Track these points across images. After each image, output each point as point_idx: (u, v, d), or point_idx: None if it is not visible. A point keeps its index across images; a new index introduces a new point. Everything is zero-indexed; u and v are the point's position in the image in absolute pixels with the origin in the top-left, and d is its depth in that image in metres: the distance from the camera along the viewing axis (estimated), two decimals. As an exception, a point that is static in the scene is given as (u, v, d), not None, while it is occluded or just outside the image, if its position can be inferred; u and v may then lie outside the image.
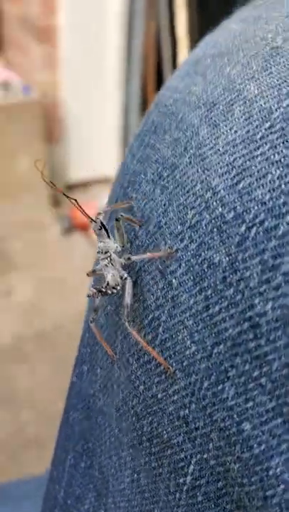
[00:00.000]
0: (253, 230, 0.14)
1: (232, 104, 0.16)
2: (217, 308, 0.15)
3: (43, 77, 1.77)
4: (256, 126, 0.15)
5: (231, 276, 0.14)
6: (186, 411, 0.16)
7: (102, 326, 0.22)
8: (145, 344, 0.17)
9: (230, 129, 0.16)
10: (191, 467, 0.16)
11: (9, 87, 1.76)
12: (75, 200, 0.20)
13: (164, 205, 0.18)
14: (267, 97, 0.16)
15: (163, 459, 0.17)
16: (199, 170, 0.16)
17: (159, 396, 0.17)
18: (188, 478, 0.16)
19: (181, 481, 0.17)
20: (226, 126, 0.16)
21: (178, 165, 0.18)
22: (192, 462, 0.16)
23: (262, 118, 0.15)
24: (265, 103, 0.15)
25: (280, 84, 0.16)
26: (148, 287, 0.18)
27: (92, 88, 1.75)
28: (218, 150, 0.16)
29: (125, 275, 0.19)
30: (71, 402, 0.25)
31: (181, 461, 0.17)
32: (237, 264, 0.14)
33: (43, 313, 1.33)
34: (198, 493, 0.16)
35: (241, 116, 0.16)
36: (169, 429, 0.17)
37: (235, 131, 0.16)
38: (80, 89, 1.75)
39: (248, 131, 0.15)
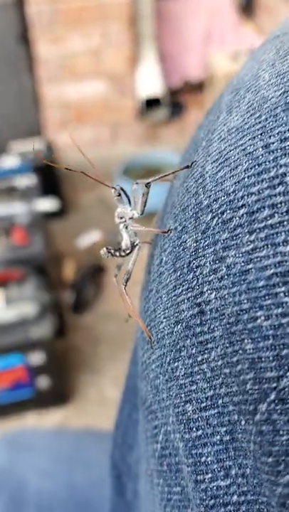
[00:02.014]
0: (215, 220, 0.14)
1: (247, 91, 0.16)
2: (180, 289, 0.15)
3: None
4: (250, 116, 0.15)
5: (193, 261, 0.15)
6: (158, 381, 0.17)
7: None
8: (132, 309, 0.18)
9: (234, 117, 0.15)
10: (160, 436, 0.17)
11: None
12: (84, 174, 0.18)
13: (178, 186, 0.18)
14: (271, 85, 0.15)
15: (146, 423, 0.18)
16: (204, 155, 0.16)
17: (147, 362, 0.18)
18: (158, 446, 0.17)
19: (154, 447, 0.18)
20: (234, 113, 0.16)
21: (197, 148, 0.18)
22: (161, 432, 0.17)
23: (257, 107, 0.15)
24: (266, 92, 0.15)
25: (285, 72, 0.14)
26: (153, 260, 0.18)
27: None
28: (220, 136, 0.16)
29: (137, 241, 0.19)
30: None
31: (155, 429, 0.17)
32: (199, 251, 0.15)
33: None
34: (164, 462, 0.17)
35: (246, 104, 0.15)
36: (150, 395, 0.18)
37: (237, 119, 0.15)
38: None
39: (243, 120, 0.15)
